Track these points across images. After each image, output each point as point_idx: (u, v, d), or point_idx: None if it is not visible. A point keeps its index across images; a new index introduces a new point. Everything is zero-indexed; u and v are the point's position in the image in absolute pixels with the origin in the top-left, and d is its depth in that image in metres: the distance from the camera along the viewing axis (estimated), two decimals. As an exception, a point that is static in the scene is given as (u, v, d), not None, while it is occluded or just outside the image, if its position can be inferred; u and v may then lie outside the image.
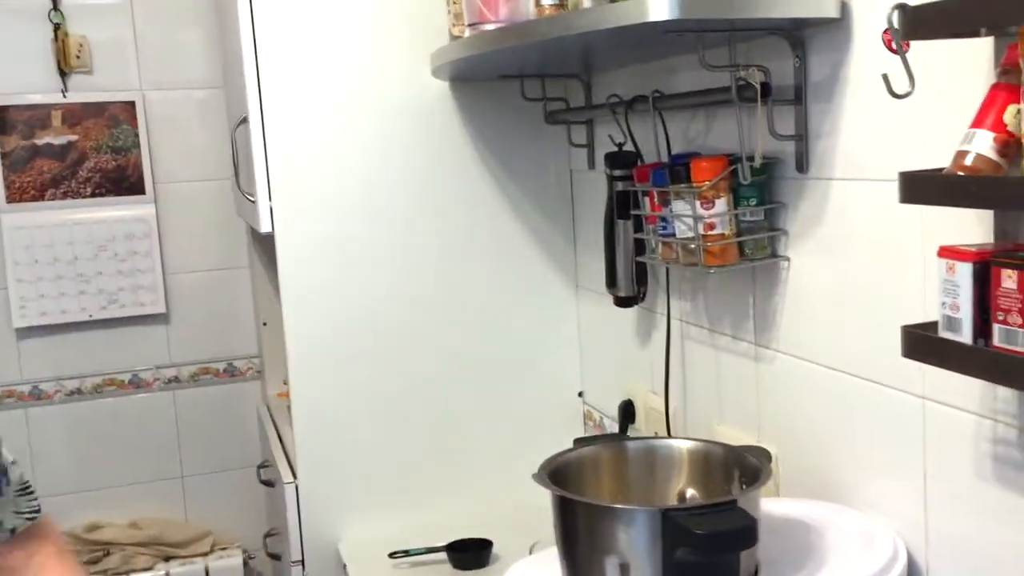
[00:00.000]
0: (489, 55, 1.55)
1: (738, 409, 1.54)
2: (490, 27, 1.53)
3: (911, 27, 0.91)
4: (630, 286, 1.71)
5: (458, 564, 1.89)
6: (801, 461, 1.36)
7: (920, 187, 0.92)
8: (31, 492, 1.21)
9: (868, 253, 1.21)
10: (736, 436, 1.48)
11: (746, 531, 0.98)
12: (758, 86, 1.26)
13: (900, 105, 1.12)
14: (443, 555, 1.90)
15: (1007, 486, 1.03)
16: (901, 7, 0.92)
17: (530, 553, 1.76)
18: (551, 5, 1.38)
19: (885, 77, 0.94)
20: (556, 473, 1.16)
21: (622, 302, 1.74)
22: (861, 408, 1.24)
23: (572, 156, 2.06)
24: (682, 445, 1.22)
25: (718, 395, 1.60)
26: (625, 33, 1.21)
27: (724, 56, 1.30)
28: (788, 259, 1.36)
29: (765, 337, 1.44)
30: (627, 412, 1.88)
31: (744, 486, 1.17)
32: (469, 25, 1.55)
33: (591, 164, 1.98)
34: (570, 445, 2.14)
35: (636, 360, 1.88)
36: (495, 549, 1.90)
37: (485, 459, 2.08)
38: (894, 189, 1.14)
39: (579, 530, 1.09)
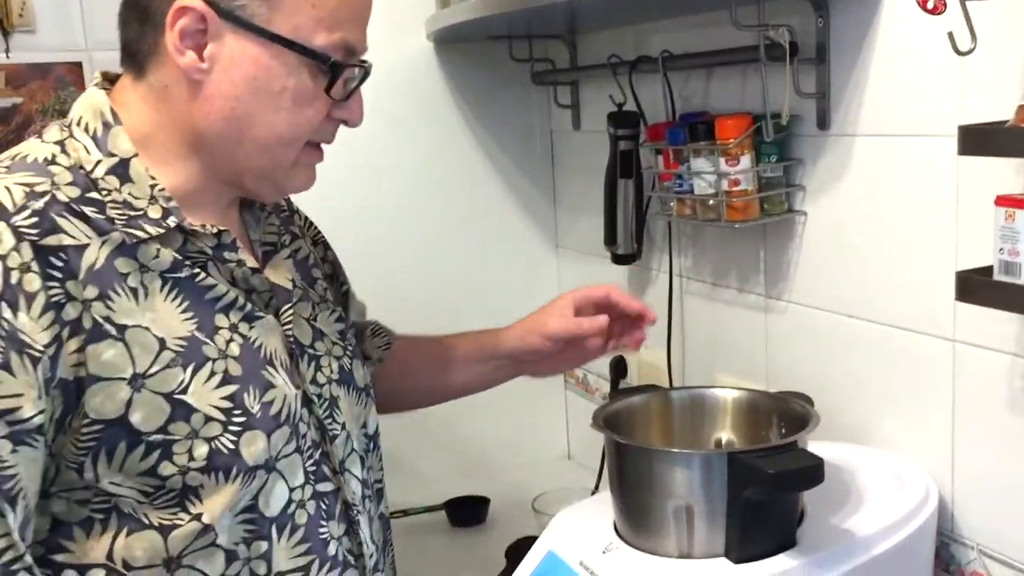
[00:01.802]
0: (491, 16, 1.57)
1: (743, 359, 1.60)
2: (501, -14, 1.54)
3: (974, -13, 0.96)
4: (630, 244, 1.75)
5: (456, 522, 1.92)
6: (818, 406, 1.42)
7: (984, 140, 0.97)
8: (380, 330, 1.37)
9: (893, 206, 1.27)
10: (740, 385, 1.54)
11: (815, 469, 1.03)
12: (787, 46, 1.30)
13: (930, 64, 1.19)
14: (441, 513, 1.92)
15: (1042, 420, 1.11)
16: (965, -32, 0.96)
17: (533, 507, 1.80)
18: (574, -35, 1.40)
19: (950, 35, 0.99)
20: (608, 421, 1.19)
21: (620, 260, 1.78)
22: (884, 353, 1.31)
23: (554, 116, 2.09)
24: (726, 394, 1.26)
25: (721, 346, 1.66)
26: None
27: (731, 15, 1.32)
28: (805, 213, 1.42)
29: (776, 289, 1.50)
30: (619, 368, 1.92)
31: (783, 431, 1.22)
32: (479, -16, 1.56)
33: (576, 124, 2.00)
34: (552, 402, 2.19)
35: (626, 316, 1.92)
36: (492, 506, 1.94)
37: (472, 417, 2.09)
38: (922, 144, 1.22)
39: (640, 476, 1.12)
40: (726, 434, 1.29)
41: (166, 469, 0.91)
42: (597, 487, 1.87)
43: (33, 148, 0.95)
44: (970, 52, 0.99)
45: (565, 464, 2.22)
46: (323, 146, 1.05)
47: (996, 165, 1.09)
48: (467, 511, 1.92)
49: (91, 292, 0.89)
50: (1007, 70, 1.08)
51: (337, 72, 0.97)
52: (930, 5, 1.14)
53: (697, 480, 1.09)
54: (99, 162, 0.94)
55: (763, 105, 1.36)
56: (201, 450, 0.92)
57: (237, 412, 0.95)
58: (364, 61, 1.01)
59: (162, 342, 0.92)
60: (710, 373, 1.67)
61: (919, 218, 1.23)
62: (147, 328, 0.92)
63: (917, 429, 1.27)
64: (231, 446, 0.94)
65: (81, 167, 0.94)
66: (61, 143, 0.95)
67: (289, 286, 1.07)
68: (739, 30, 1.30)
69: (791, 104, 1.35)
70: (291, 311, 1.06)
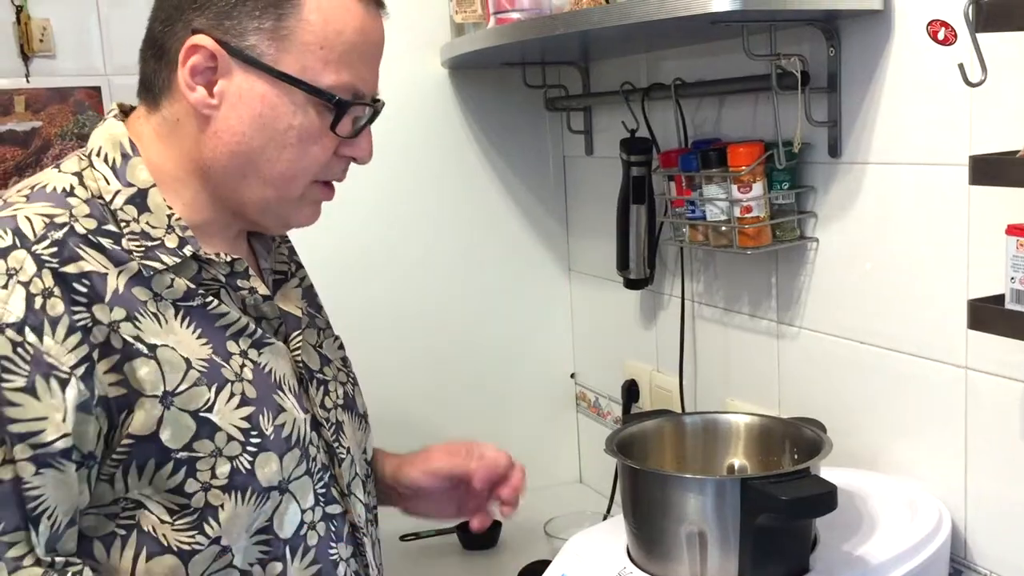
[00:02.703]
0: (506, 44, 1.59)
1: (754, 384, 1.60)
2: (515, 15, 1.56)
3: (985, 20, 0.97)
4: (642, 268, 1.76)
5: (468, 545, 1.92)
6: (831, 432, 1.42)
7: (995, 170, 0.98)
8: None
9: (905, 234, 1.28)
10: (752, 411, 1.54)
11: (828, 496, 1.04)
12: (799, 74, 1.31)
13: (941, 93, 1.20)
14: (453, 536, 1.93)
15: (1054, 448, 1.11)
16: (975, 1, 0.97)
17: (546, 531, 1.80)
18: (589, -6, 1.42)
19: (961, 67, 1.00)
20: (621, 446, 1.20)
21: (632, 284, 1.79)
22: (897, 380, 1.31)
23: (567, 142, 2.10)
24: (738, 420, 1.27)
25: (733, 372, 1.67)
26: (676, 23, 1.25)
27: (743, 45, 1.33)
28: (816, 240, 1.43)
29: (788, 315, 1.51)
30: (631, 392, 1.93)
31: (796, 456, 1.23)
32: (495, 13, 1.58)
33: (589, 150, 2.02)
34: (564, 426, 2.20)
35: (638, 341, 1.93)
36: (504, 529, 1.94)
37: (483, 441, 2.10)
38: (933, 173, 1.23)
39: (653, 501, 1.13)
40: (739, 459, 1.29)
41: (191, 486, 0.94)
42: (609, 511, 1.87)
43: (52, 178, 0.97)
44: (980, 83, 1.00)
45: (577, 488, 2.22)
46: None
47: (1007, 194, 1.10)
48: (479, 534, 1.92)
49: (119, 313, 0.92)
50: (1018, 101, 1.10)
51: (343, 110, 0.99)
52: (941, 36, 1.16)
53: (710, 506, 1.09)
54: (118, 192, 0.97)
55: (775, 133, 1.37)
56: (223, 468, 0.95)
57: (254, 433, 0.98)
58: (376, 100, 1.04)
59: (188, 362, 0.95)
60: (722, 398, 1.68)
61: (930, 246, 1.24)
62: (174, 348, 0.95)
63: (930, 456, 1.28)
64: (248, 466, 0.97)
65: (100, 197, 0.96)
66: (79, 174, 0.98)
67: (299, 314, 1.10)
68: (751, 59, 1.32)
69: (803, 132, 1.36)
70: (300, 338, 1.09)
